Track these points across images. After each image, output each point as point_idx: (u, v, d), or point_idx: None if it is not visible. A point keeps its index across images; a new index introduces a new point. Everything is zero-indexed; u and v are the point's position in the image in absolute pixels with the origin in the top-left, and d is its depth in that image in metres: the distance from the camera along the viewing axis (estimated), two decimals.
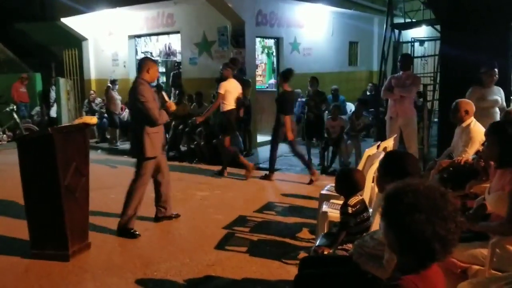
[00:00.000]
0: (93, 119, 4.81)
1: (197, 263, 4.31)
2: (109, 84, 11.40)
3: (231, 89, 7.67)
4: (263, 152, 9.92)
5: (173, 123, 9.84)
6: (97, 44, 13.22)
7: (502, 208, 2.79)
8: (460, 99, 4.73)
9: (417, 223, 1.59)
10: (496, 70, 5.90)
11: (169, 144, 9.88)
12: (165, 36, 13.51)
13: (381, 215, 1.72)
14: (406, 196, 1.63)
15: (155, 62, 5.44)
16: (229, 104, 7.69)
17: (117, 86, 11.25)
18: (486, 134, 3.16)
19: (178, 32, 11.56)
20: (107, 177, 7.93)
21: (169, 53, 14.21)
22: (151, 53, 13.97)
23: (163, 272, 4.13)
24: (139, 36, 12.78)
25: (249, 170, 7.75)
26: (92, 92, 12.47)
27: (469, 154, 4.31)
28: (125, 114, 11.74)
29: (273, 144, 7.66)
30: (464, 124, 4.60)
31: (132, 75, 12.54)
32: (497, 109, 5.82)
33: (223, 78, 7.84)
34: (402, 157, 2.60)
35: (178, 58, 13.07)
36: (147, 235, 5.13)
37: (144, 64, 5.06)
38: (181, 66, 11.98)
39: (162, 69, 14.07)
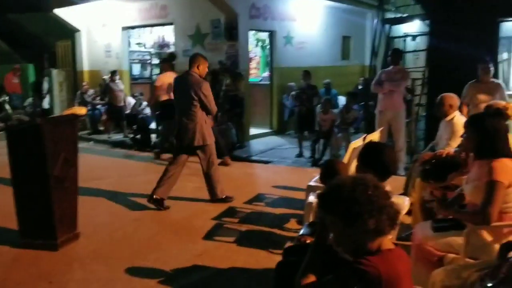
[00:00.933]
0: (82, 110, 4.88)
1: (185, 253, 4.37)
2: (104, 77, 11.38)
3: (167, 81, 8.06)
4: (256, 145, 10.01)
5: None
6: (90, 35, 13.19)
7: (478, 198, 2.87)
8: (445, 93, 4.81)
9: (354, 215, 1.72)
10: (490, 65, 6.01)
11: (162, 136, 9.93)
12: (159, 28, 13.52)
13: (322, 216, 1.84)
14: (343, 191, 1.76)
15: (206, 59, 5.91)
16: (164, 95, 8.17)
17: (117, 77, 11.15)
18: (465, 126, 3.24)
19: (171, 23, 11.55)
20: (98, 168, 7.97)
21: (162, 44, 14.21)
22: (144, 44, 13.99)
23: (151, 261, 4.19)
24: (132, 27, 12.75)
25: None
26: (84, 83, 12.46)
27: (452, 147, 4.40)
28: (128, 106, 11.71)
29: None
30: (448, 118, 4.69)
31: (125, 66, 12.59)
32: None
33: (161, 71, 8.71)
34: (379, 149, 2.68)
35: (172, 50, 13.08)
36: (135, 225, 5.20)
37: (195, 59, 5.68)
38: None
39: (155, 60, 14.07)
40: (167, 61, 9.37)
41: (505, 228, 2.87)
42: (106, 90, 11.34)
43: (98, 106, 11.88)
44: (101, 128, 11.92)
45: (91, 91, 12.25)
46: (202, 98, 5.58)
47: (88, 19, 13.05)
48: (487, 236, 2.87)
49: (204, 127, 5.72)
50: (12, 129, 4.49)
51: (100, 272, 3.99)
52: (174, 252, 4.40)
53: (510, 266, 2.35)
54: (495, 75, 6.77)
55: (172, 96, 7.30)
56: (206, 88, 5.63)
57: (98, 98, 12.08)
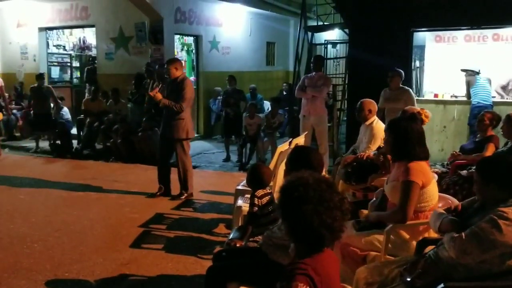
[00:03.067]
0: None
1: (111, 262, 4.26)
2: (20, 80, 10.65)
3: None
4: None
5: (88, 120, 9.54)
6: (4, 36, 12.42)
7: (396, 197, 3.06)
8: (364, 99, 5.07)
9: (305, 214, 1.77)
10: (397, 73, 6.42)
11: (84, 142, 9.58)
12: (79, 30, 13.03)
13: (277, 207, 1.88)
14: (296, 190, 1.81)
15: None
16: None
17: (44, 81, 10.11)
18: (385, 130, 3.43)
19: (93, 25, 11.19)
20: (15, 177, 7.53)
21: (83, 47, 13.72)
22: (64, 46, 13.41)
23: (75, 273, 4.04)
24: (50, 28, 12.18)
25: None
26: None
27: (371, 150, 4.65)
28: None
29: None
30: (367, 122, 4.95)
31: (43, 69, 11.98)
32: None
33: None
34: (307, 152, 2.79)
35: (93, 52, 12.65)
36: (57, 236, 4.96)
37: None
38: (96, 61, 11.60)
39: (75, 63, 13.53)
40: None
41: (421, 226, 3.08)
42: (21, 94, 10.68)
43: (14, 111, 11.22)
44: (17, 134, 11.27)
45: (6, 95, 11.52)
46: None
47: (2, 19, 12.31)
48: (405, 234, 3.05)
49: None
50: None
51: (20, 286, 3.78)
52: (99, 262, 4.26)
53: (426, 261, 2.54)
54: (409, 82, 7.24)
55: None
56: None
57: (13, 102, 11.41)
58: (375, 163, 4.27)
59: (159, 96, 5.96)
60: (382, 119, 5.61)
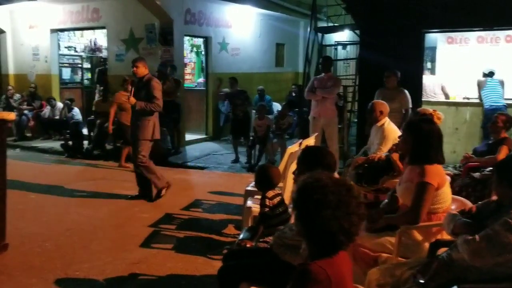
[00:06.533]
0: (11, 115, 4.60)
1: (121, 261, 4.27)
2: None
3: None
4: (192, 151, 9.95)
5: (98, 120, 9.59)
6: (16, 37, 12.53)
7: (408, 198, 3.02)
8: (375, 100, 5.05)
9: (324, 218, 1.73)
10: (393, 73, 6.39)
11: (94, 142, 9.62)
12: (90, 31, 13.11)
13: (292, 207, 1.85)
14: (315, 192, 1.76)
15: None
16: None
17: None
18: (403, 131, 3.37)
19: (104, 27, 11.25)
20: (27, 176, 7.58)
21: (94, 48, 13.80)
22: (75, 48, 13.50)
23: (85, 272, 4.05)
24: (62, 30, 12.27)
25: None
26: (10, 87, 11.82)
27: (383, 152, 4.61)
28: (46, 111, 11.25)
29: None
30: (379, 124, 4.91)
31: (54, 70, 12.08)
32: (401, 110, 6.31)
33: None
34: (319, 152, 2.76)
35: (104, 54, 12.72)
36: (67, 235, 5.00)
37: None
38: (107, 62, 11.67)
39: (87, 65, 13.61)
40: None
41: (433, 227, 3.04)
42: (34, 95, 10.76)
43: (26, 112, 11.31)
44: (28, 134, 11.36)
45: (17, 96, 11.66)
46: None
47: (14, 21, 12.42)
48: (417, 236, 3.02)
49: None
50: None
51: (31, 285, 3.80)
52: (109, 261, 4.27)
53: (439, 263, 2.51)
54: (419, 84, 7.19)
55: None
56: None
57: (25, 103, 11.51)
58: (386, 165, 4.23)
59: (133, 100, 5.90)
60: None
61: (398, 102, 6.23)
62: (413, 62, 6.93)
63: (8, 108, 11.10)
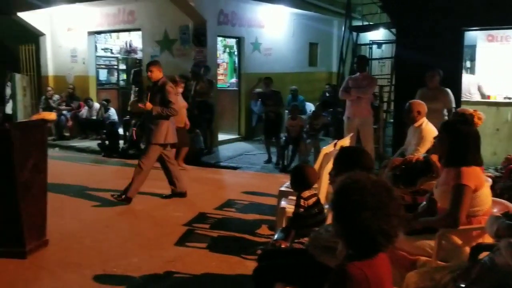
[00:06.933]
0: (52, 115, 4.77)
1: (157, 259, 4.32)
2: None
3: None
4: (224, 151, 10.01)
5: (133, 121, 9.76)
6: (55, 39, 12.90)
7: (446, 201, 2.95)
8: (413, 100, 4.94)
9: (363, 220, 1.69)
10: (437, 73, 6.22)
11: (130, 142, 9.80)
12: (126, 33, 13.36)
13: (331, 208, 1.82)
14: (354, 194, 1.73)
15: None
16: None
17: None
18: (440, 132, 3.28)
19: (139, 29, 11.45)
20: (65, 175, 7.78)
21: (129, 50, 14.05)
22: (111, 50, 13.79)
23: (122, 268, 4.12)
24: (99, 32, 12.55)
25: None
26: (49, 88, 12.18)
27: (421, 153, 4.51)
28: (84, 111, 11.55)
29: None
30: (416, 124, 4.81)
31: (91, 72, 12.38)
32: (443, 110, 6.14)
33: None
34: (356, 152, 2.72)
35: (139, 55, 12.94)
36: (105, 232, 5.10)
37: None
38: (142, 64, 11.87)
39: (122, 66, 13.89)
40: None
41: (474, 231, 2.96)
42: (72, 96, 11.03)
43: (64, 112, 11.64)
44: (67, 134, 11.68)
45: (56, 96, 11.99)
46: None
47: (53, 23, 12.78)
48: (457, 240, 2.94)
49: None
50: None
51: (70, 280, 3.90)
52: (145, 259, 4.34)
53: (481, 268, 2.43)
54: (458, 83, 7.00)
55: None
56: None
57: (64, 103, 11.84)
58: (424, 166, 4.14)
59: (149, 105, 5.90)
60: None
61: (441, 102, 6.05)
62: (452, 61, 6.73)
63: (48, 108, 11.45)
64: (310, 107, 11.37)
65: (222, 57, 12.94)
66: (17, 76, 12.08)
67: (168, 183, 6.39)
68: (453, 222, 2.87)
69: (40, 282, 3.92)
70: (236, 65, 11.89)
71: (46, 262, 4.26)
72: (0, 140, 4.07)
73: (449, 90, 6.29)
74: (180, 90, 7.93)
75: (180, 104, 7.74)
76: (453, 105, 6.20)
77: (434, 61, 6.46)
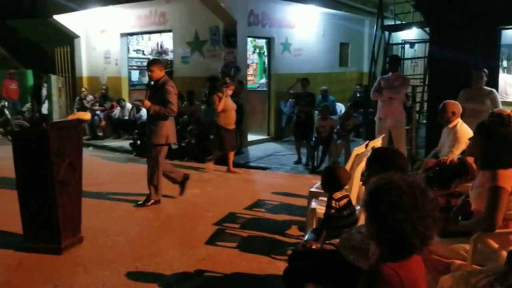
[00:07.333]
0: (87, 115, 4.87)
1: (188, 257, 4.37)
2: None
3: None
4: (254, 151, 10.03)
5: None
6: (89, 41, 13.22)
7: (482, 204, 2.88)
8: (447, 100, 4.84)
9: (398, 221, 1.68)
10: (483, 72, 6.04)
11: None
12: (157, 35, 13.56)
13: (364, 209, 1.81)
14: (388, 194, 1.71)
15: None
16: None
17: None
18: (475, 133, 3.21)
19: (170, 30, 11.61)
20: (99, 173, 7.96)
21: (161, 51, 14.26)
22: (142, 51, 14.02)
23: (154, 266, 4.19)
24: (131, 34, 12.79)
25: None
26: (83, 89, 12.49)
27: (455, 154, 4.41)
28: (116, 111, 11.79)
29: None
30: (451, 125, 4.71)
31: (124, 73, 12.62)
32: (489, 111, 5.96)
33: None
34: (390, 153, 2.69)
35: (170, 56, 13.11)
36: (137, 230, 5.20)
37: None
38: (173, 65, 12.02)
39: None
40: None
41: (511, 234, 2.89)
42: (105, 97, 11.25)
43: (98, 112, 11.90)
44: (100, 133, 11.94)
45: (90, 97, 12.28)
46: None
47: (87, 26, 13.10)
48: (493, 243, 2.87)
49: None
50: (18, 134, 4.49)
51: (104, 276, 3.98)
52: (176, 257, 4.39)
53: None
54: (495, 83, 6.81)
55: None
56: None
57: (97, 104, 12.11)
58: (459, 168, 4.05)
59: (147, 103, 5.82)
60: None
61: (487, 104, 5.85)
62: (489, 60, 6.54)
63: (82, 108, 11.74)
64: (340, 107, 11.29)
65: (252, 58, 12.98)
66: (53, 77, 12.42)
67: (172, 183, 6.37)
68: (490, 226, 2.80)
69: (75, 278, 4.01)
70: (266, 65, 11.90)
71: (81, 258, 4.36)
72: (37, 139, 4.21)
73: (495, 91, 6.10)
74: (230, 92, 7.96)
75: (229, 105, 7.83)
76: (500, 106, 6.00)
77: (469, 60, 6.30)
